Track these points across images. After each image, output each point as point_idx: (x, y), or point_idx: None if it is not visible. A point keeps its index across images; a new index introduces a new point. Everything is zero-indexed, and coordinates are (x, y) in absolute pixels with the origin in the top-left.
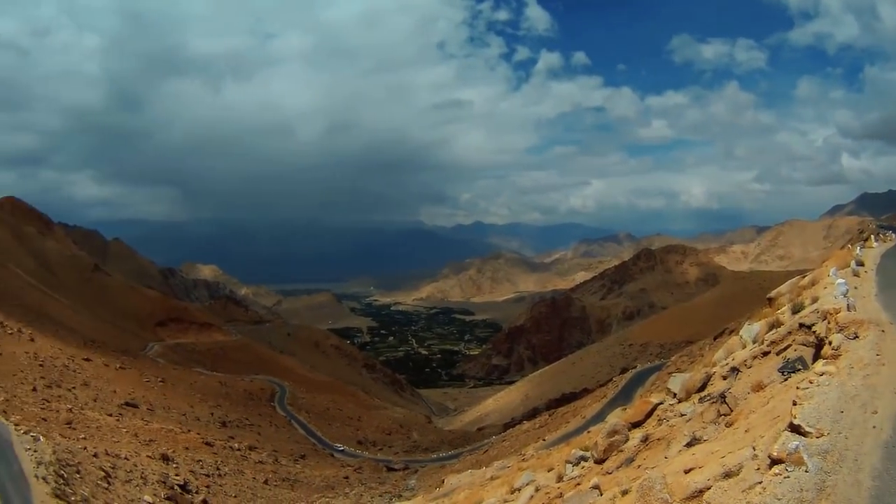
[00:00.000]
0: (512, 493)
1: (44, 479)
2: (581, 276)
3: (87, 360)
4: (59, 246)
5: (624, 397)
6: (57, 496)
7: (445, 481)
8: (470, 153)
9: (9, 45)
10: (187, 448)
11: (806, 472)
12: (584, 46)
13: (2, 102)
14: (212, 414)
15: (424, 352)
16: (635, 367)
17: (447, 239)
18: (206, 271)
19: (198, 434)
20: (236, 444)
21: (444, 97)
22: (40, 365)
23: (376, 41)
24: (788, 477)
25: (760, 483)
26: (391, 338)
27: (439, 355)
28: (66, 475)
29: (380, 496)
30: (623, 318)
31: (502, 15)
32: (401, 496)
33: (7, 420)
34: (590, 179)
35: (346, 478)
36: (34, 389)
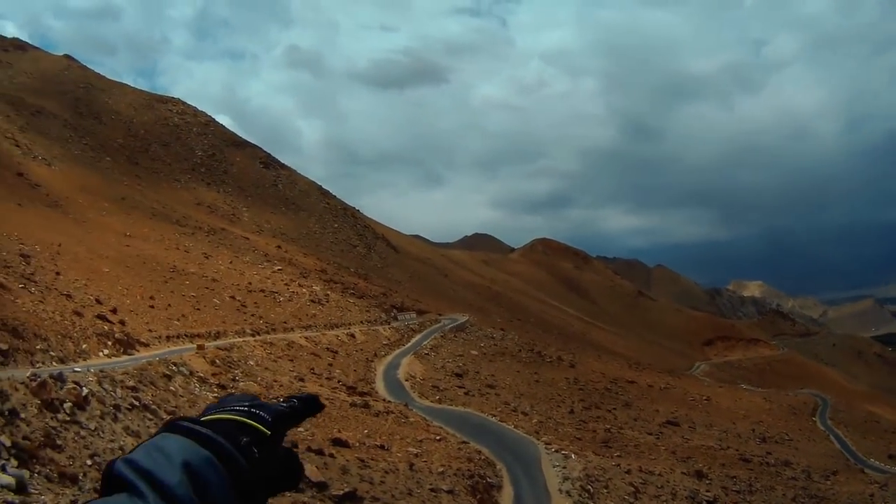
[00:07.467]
0: None
1: (567, 493)
2: None
3: (631, 382)
4: (599, 277)
5: None
6: None
7: None
8: None
9: (502, 106)
10: (724, 465)
11: None
12: None
13: (516, 155)
14: (752, 430)
15: None
16: None
17: None
18: (753, 288)
19: (736, 450)
20: (772, 460)
21: None
22: (580, 389)
23: (857, 25)
24: None
25: None
26: None
27: None
28: (591, 490)
29: None
30: None
31: None
32: None
33: (538, 440)
34: None
35: (871, 495)
36: (571, 412)
